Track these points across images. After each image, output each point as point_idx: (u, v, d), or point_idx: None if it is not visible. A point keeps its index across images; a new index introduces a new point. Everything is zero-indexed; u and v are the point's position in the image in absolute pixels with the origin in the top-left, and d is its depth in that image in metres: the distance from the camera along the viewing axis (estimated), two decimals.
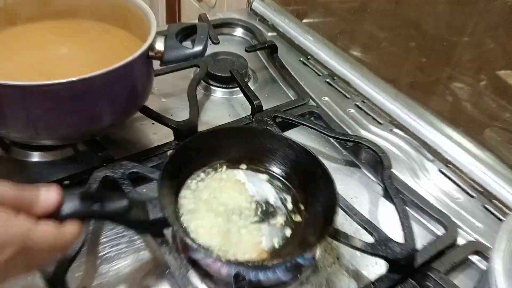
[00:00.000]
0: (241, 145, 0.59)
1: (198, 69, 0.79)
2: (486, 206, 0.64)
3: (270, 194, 0.56)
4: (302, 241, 0.51)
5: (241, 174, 0.58)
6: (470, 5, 0.64)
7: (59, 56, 0.61)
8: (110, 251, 0.52)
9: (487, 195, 0.65)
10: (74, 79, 0.48)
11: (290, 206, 0.55)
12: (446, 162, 0.70)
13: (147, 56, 0.57)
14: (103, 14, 0.66)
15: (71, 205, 0.39)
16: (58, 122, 0.52)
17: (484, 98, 0.67)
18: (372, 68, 0.83)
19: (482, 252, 0.56)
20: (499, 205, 0.64)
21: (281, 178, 0.59)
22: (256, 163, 0.60)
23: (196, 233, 0.49)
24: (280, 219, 0.53)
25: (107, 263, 0.51)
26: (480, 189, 0.66)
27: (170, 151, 0.54)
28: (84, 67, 0.58)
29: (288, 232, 0.52)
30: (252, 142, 0.59)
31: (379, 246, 0.51)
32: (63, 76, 0.47)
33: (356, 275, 0.53)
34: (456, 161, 0.69)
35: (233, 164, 0.59)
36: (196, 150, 0.56)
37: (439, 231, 0.59)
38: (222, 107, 0.77)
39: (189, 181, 0.56)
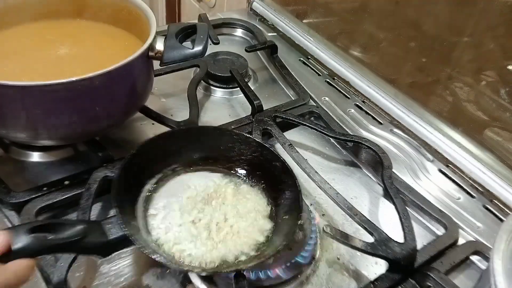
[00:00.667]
0: (196, 146, 0.58)
1: (198, 69, 0.79)
2: (486, 206, 0.64)
3: None
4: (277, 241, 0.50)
5: (198, 176, 0.57)
6: (470, 5, 0.64)
7: (59, 56, 0.61)
8: None
9: (487, 195, 0.65)
10: (73, 79, 0.47)
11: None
12: (446, 162, 0.70)
13: (147, 56, 0.57)
14: (103, 15, 0.66)
15: (19, 243, 0.36)
16: (58, 122, 0.52)
17: (484, 98, 0.67)
18: (372, 68, 0.83)
19: (482, 252, 0.56)
20: (499, 205, 0.64)
21: (242, 177, 0.57)
22: (213, 163, 0.58)
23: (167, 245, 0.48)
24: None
25: (108, 263, 0.51)
26: (480, 189, 0.66)
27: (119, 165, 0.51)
28: (84, 67, 0.58)
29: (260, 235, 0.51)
30: (207, 142, 0.58)
31: (379, 246, 0.51)
32: (63, 76, 0.47)
33: (356, 275, 0.53)
34: (456, 161, 0.69)
35: (189, 167, 0.57)
36: (149, 157, 0.54)
37: (439, 231, 0.59)
38: (222, 107, 0.77)
39: (145, 189, 0.53)
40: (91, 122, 0.54)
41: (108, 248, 0.45)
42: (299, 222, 0.48)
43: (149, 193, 0.53)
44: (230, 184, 0.56)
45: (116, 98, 0.55)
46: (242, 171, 0.58)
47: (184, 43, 0.60)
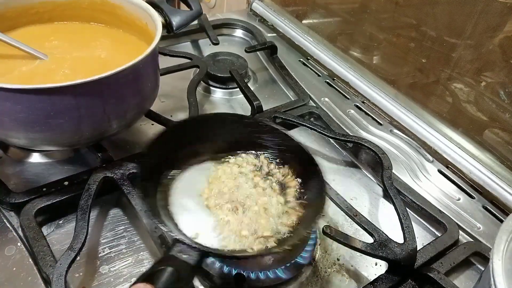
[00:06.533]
0: (219, 133, 0.56)
1: (198, 69, 0.79)
2: (486, 206, 0.64)
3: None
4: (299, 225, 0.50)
5: (228, 163, 0.56)
6: (469, 6, 0.64)
7: (63, 60, 0.60)
8: (110, 252, 0.52)
9: (487, 196, 0.65)
10: (83, 80, 0.46)
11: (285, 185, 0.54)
12: (446, 162, 0.70)
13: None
14: (104, 17, 0.66)
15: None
16: (67, 127, 0.50)
17: (483, 99, 0.67)
18: (372, 69, 0.83)
19: (482, 252, 0.56)
20: (499, 205, 0.64)
21: (273, 161, 0.57)
22: (243, 149, 0.57)
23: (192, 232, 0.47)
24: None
25: (107, 264, 0.51)
26: (480, 189, 0.66)
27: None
28: (87, 71, 0.58)
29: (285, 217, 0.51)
30: (235, 129, 0.57)
31: (379, 246, 0.51)
32: (66, 79, 0.46)
33: (356, 276, 0.53)
34: (456, 162, 0.69)
35: (214, 153, 0.56)
36: (172, 147, 0.53)
37: (439, 231, 0.59)
38: (221, 108, 0.77)
39: (173, 176, 0.52)
40: (99, 126, 0.53)
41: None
42: (321, 214, 0.47)
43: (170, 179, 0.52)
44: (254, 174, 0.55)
45: (125, 100, 0.54)
46: (271, 157, 0.57)
47: None
